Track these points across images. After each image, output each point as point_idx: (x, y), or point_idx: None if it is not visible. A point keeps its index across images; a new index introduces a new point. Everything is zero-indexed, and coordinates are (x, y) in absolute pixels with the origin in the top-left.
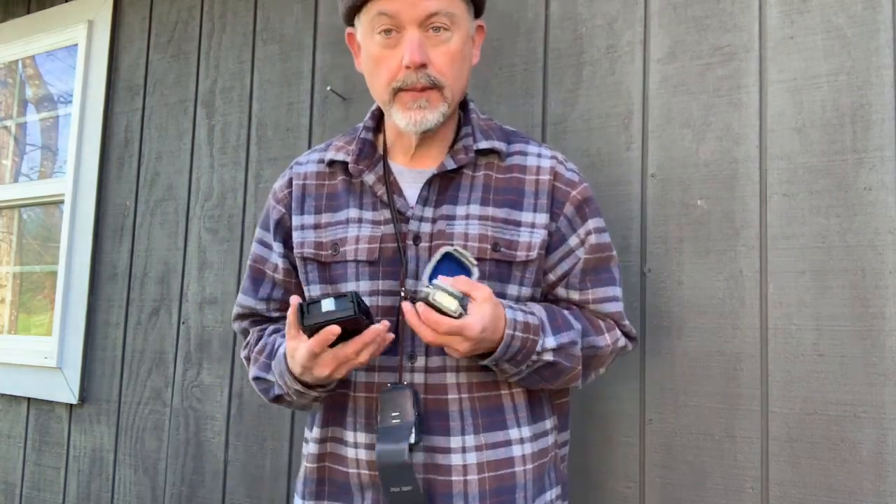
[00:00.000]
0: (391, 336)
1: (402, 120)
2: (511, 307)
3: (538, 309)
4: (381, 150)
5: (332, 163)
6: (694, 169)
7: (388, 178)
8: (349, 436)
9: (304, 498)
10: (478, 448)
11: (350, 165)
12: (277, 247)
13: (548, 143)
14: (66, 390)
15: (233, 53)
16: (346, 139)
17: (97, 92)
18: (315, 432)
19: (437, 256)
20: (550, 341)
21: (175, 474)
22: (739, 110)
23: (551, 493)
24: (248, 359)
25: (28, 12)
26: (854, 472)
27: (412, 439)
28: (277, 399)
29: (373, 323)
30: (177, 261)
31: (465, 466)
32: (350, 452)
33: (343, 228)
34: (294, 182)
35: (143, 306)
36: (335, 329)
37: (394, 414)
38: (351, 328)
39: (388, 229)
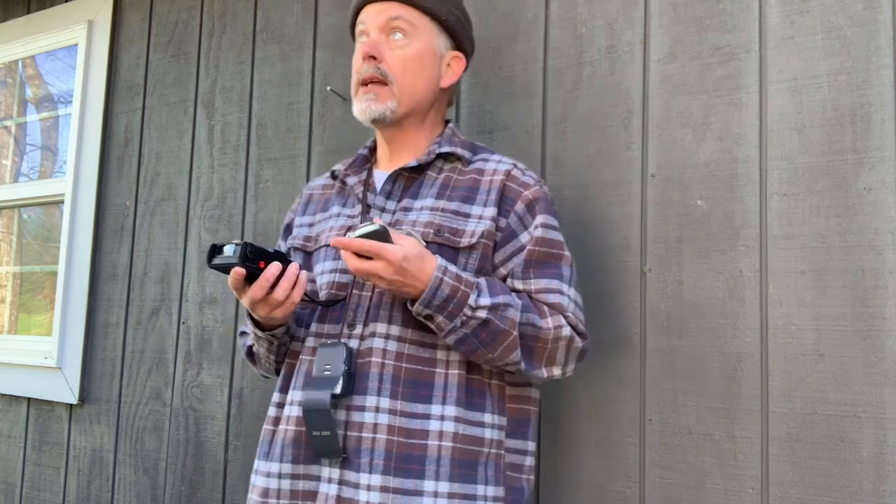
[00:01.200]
0: (295, 268)
1: (356, 109)
2: (448, 262)
3: (480, 279)
4: (371, 162)
5: (334, 175)
6: (694, 169)
7: (367, 180)
8: (289, 396)
9: (257, 458)
10: (392, 411)
11: (340, 171)
12: (283, 245)
13: (548, 143)
14: (66, 390)
15: (233, 53)
16: (351, 157)
17: (97, 92)
18: (273, 396)
19: (367, 227)
20: (485, 299)
21: (175, 474)
22: (739, 110)
23: (485, 490)
24: (241, 333)
25: (28, 12)
26: (854, 472)
27: (337, 390)
28: (249, 352)
29: (286, 264)
30: (177, 261)
31: (375, 425)
32: (285, 410)
33: (325, 222)
34: (304, 193)
35: (143, 306)
36: (239, 271)
37: (326, 366)
38: (262, 269)
39: (358, 220)
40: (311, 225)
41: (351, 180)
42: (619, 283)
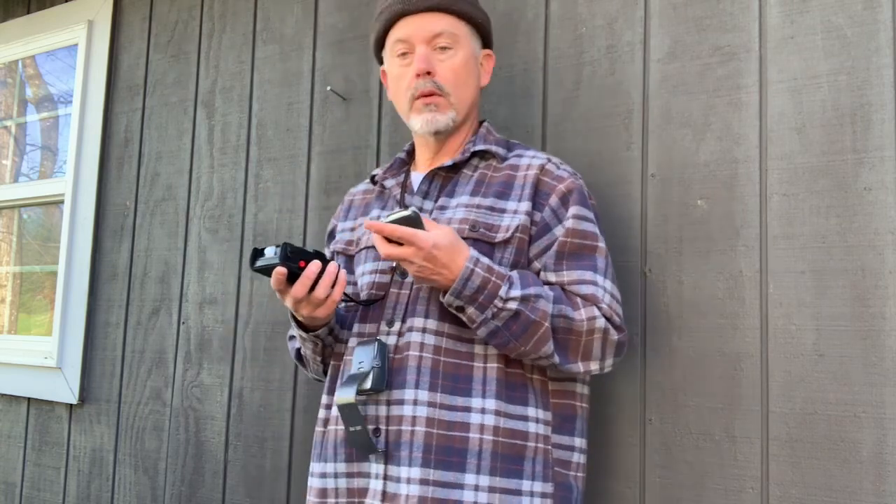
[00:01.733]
0: (334, 266)
1: (418, 122)
2: (481, 254)
3: (512, 272)
4: (409, 165)
5: (373, 179)
6: (694, 169)
7: (404, 181)
8: (336, 396)
9: (313, 460)
10: (431, 404)
11: (378, 175)
12: (328, 252)
13: (548, 143)
14: (66, 390)
15: (233, 53)
16: (390, 161)
17: (97, 92)
18: (322, 398)
19: (399, 212)
20: (516, 291)
21: (175, 474)
22: (739, 110)
23: (531, 485)
24: (290, 337)
25: (28, 12)
26: (854, 472)
27: (366, 384)
28: (298, 355)
29: (324, 263)
30: (177, 261)
31: (414, 418)
32: (333, 411)
33: None
34: (345, 200)
35: (143, 306)
36: (281, 271)
37: (360, 362)
38: (302, 268)
39: None
40: (352, 229)
41: (389, 183)
42: (620, 283)
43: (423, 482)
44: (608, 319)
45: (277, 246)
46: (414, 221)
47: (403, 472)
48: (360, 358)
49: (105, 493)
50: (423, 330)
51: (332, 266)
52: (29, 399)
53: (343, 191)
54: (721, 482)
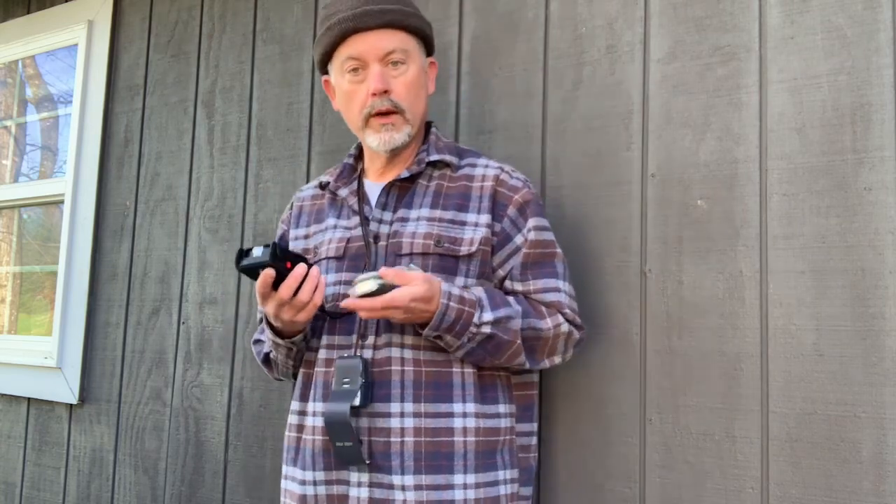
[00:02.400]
0: (317, 271)
1: (375, 141)
2: (452, 285)
3: (478, 290)
4: (358, 172)
5: (321, 185)
6: (694, 169)
7: (360, 191)
8: (309, 406)
9: (285, 463)
10: (416, 414)
11: (330, 183)
12: None
13: (548, 143)
14: (66, 390)
15: (233, 53)
16: (337, 167)
17: (97, 92)
18: (292, 405)
19: (368, 284)
20: (488, 315)
21: (175, 474)
22: (739, 110)
23: (504, 474)
24: (255, 341)
25: (28, 12)
26: (854, 472)
27: (356, 402)
28: (266, 359)
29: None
30: (177, 261)
31: (402, 429)
32: (308, 420)
33: (322, 234)
34: (294, 205)
35: (143, 306)
36: (269, 272)
37: (345, 380)
38: (289, 269)
39: (356, 232)
40: (306, 237)
41: (342, 192)
42: (619, 283)
43: (418, 487)
44: (571, 322)
45: (266, 246)
46: (384, 288)
47: (396, 479)
48: (345, 375)
49: (105, 493)
50: (402, 345)
51: (314, 270)
52: (29, 399)
53: None
54: (721, 482)
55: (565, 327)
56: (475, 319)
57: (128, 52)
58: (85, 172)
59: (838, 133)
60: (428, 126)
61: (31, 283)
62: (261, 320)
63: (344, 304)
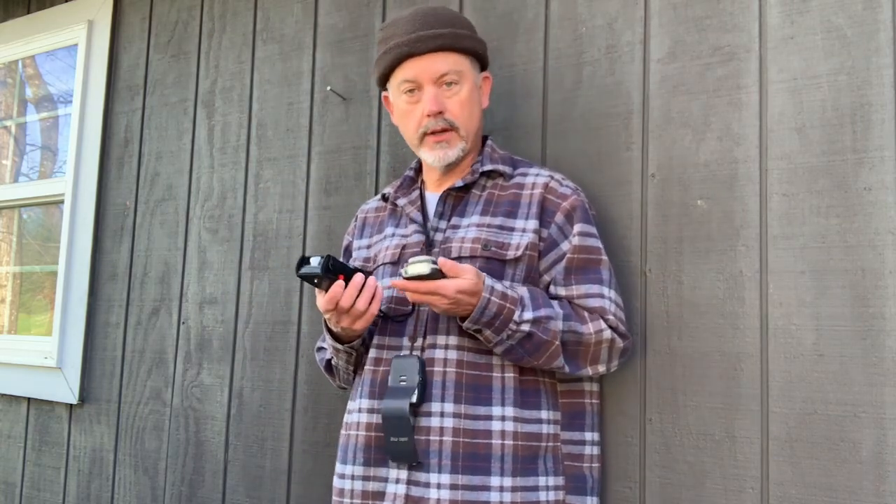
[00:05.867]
0: (373, 281)
1: (430, 157)
2: (497, 281)
3: (522, 289)
4: (418, 183)
5: (385, 198)
6: (694, 169)
7: (422, 201)
8: (355, 403)
9: (338, 461)
10: (456, 415)
11: (390, 194)
12: None
13: (548, 143)
14: (66, 390)
15: (233, 53)
16: (399, 179)
17: (97, 92)
18: (348, 405)
19: (419, 266)
20: (528, 314)
21: (175, 474)
22: (739, 110)
23: (546, 480)
24: (318, 349)
25: (28, 12)
26: (854, 472)
27: (414, 399)
28: (328, 366)
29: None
30: (177, 261)
31: (441, 428)
32: (353, 417)
33: (382, 243)
34: (359, 217)
35: (143, 306)
36: (339, 285)
37: (402, 377)
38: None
39: (411, 239)
40: (368, 247)
41: (401, 202)
42: (619, 282)
43: (454, 487)
44: (614, 329)
45: (322, 257)
46: (434, 274)
47: (433, 478)
48: (401, 372)
49: (105, 493)
50: (446, 346)
51: (371, 280)
52: (29, 399)
53: (343, 191)
54: (721, 482)
55: (608, 334)
56: (515, 317)
57: (128, 52)
58: (85, 172)
59: (838, 133)
60: (484, 139)
61: (31, 283)
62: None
63: (392, 282)
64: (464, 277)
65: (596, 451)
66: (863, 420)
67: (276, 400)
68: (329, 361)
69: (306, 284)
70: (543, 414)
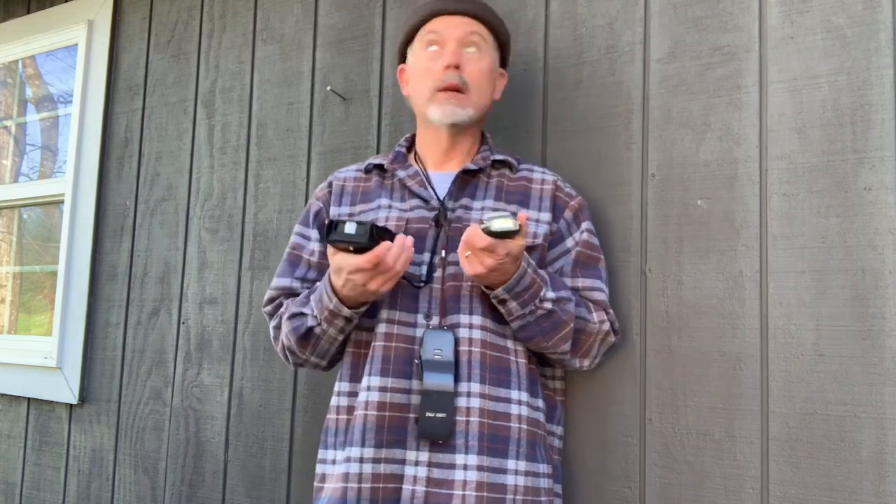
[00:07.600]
0: (410, 241)
1: (437, 112)
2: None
3: (542, 271)
4: (411, 159)
5: (369, 169)
6: (694, 169)
7: (425, 174)
8: (363, 381)
9: (323, 447)
10: (482, 395)
11: (386, 165)
12: (314, 234)
13: (548, 143)
14: (66, 390)
15: (233, 53)
16: (383, 154)
17: (97, 92)
18: (340, 387)
19: (505, 224)
20: (551, 293)
21: (175, 474)
22: (739, 110)
23: (542, 467)
24: (277, 327)
25: (28, 12)
26: (854, 472)
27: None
28: (307, 333)
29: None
30: (177, 261)
31: (468, 409)
32: (362, 396)
33: (374, 213)
34: (334, 184)
35: (143, 306)
36: (382, 248)
37: (436, 350)
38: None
39: (414, 214)
40: (350, 214)
41: (401, 173)
42: (619, 283)
43: (480, 468)
44: (611, 324)
45: (360, 223)
46: (514, 233)
47: (459, 458)
48: (436, 345)
49: (105, 493)
50: (470, 326)
51: (409, 240)
52: (29, 399)
53: None
54: (721, 482)
55: (607, 326)
56: (542, 293)
57: (128, 52)
58: (85, 172)
59: (838, 133)
60: (483, 136)
61: (31, 283)
62: (285, 308)
63: (469, 233)
64: (519, 240)
65: (561, 444)
66: (863, 420)
67: (275, 400)
68: (311, 329)
69: None
70: (540, 403)
